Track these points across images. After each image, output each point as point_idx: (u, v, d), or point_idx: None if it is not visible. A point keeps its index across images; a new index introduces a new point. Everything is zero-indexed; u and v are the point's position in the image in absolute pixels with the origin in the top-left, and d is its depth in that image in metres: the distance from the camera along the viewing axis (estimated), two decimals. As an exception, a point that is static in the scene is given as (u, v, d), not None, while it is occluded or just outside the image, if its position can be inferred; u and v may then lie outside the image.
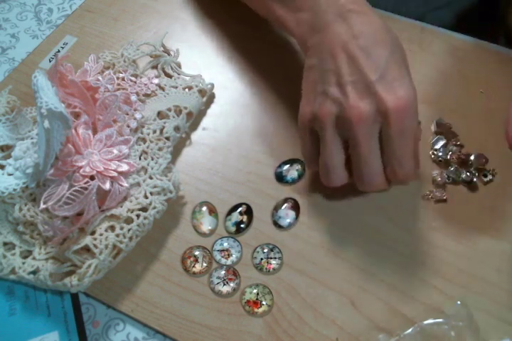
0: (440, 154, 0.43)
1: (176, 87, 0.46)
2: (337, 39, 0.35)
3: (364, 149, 0.34)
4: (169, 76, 0.48)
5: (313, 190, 0.42)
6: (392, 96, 0.33)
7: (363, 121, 0.33)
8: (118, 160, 0.39)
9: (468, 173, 0.41)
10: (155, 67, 0.49)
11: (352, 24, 0.34)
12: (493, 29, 0.66)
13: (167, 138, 0.43)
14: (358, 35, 0.34)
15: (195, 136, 0.46)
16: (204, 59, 0.51)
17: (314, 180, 0.43)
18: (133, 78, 0.46)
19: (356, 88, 0.34)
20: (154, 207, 0.38)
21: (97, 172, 0.37)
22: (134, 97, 0.44)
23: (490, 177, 0.42)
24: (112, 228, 0.37)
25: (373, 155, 0.35)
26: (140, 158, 0.41)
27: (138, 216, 0.38)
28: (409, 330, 0.36)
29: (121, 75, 0.46)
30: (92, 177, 0.37)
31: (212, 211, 0.42)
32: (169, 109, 0.44)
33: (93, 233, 0.37)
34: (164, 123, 0.43)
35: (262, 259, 0.39)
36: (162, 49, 0.49)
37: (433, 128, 0.45)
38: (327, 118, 0.35)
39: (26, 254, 0.39)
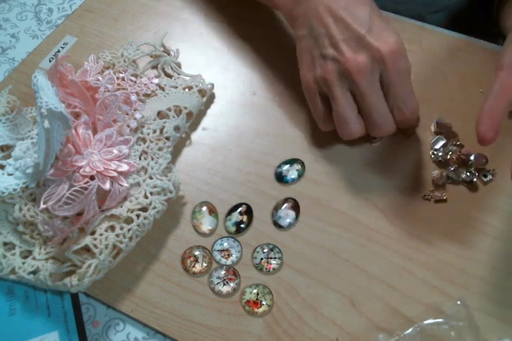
0: (440, 154, 0.43)
1: (176, 87, 0.46)
2: (320, 5, 0.38)
3: (370, 96, 0.37)
4: (169, 76, 0.48)
5: (314, 190, 0.42)
6: (383, 44, 0.36)
7: (362, 71, 0.36)
8: (118, 160, 0.39)
9: (468, 173, 0.41)
10: (155, 67, 0.49)
11: None
12: (492, 30, 0.66)
13: (167, 138, 0.43)
14: None
15: (195, 136, 0.46)
16: (204, 59, 0.51)
17: (314, 179, 0.43)
18: (133, 78, 0.46)
19: (349, 44, 0.37)
20: (154, 207, 0.38)
21: (97, 172, 0.37)
22: (134, 97, 0.44)
23: (490, 177, 0.42)
24: (112, 228, 0.37)
25: (379, 100, 0.38)
26: (140, 158, 0.41)
27: (138, 216, 0.38)
28: (409, 330, 0.36)
29: (121, 75, 0.46)
30: (92, 177, 0.37)
31: (212, 211, 0.42)
32: (169, 109, 0.44)
33: (93, 233, 0.37)
34: (164, 123, 0.43)
35: (262, 259, 0.39)
36: (162, 49, 0.49)
37: (433, 128, 0.45)
38: (331, 76, 0.38)
39: (26, 254, 0.39)
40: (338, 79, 0.38)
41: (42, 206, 0.35)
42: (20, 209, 0.38)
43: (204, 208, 0.42)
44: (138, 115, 0.42)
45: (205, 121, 0.47)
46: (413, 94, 0.38)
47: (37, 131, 0.41)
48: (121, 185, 0.38)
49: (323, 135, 0.45)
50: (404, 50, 0.37)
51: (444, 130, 0.44)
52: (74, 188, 0.36)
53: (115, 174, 0.38)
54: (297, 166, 0.43)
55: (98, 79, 0.43)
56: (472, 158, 0.42)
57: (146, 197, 0.39)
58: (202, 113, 0.47)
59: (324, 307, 0.38)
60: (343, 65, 0.37)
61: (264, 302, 0.38)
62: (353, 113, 0.39)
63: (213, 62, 0.50)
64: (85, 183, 0.36)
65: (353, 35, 0.37)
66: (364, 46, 0.37)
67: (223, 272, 0.39)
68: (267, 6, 0.48)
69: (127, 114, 0.42)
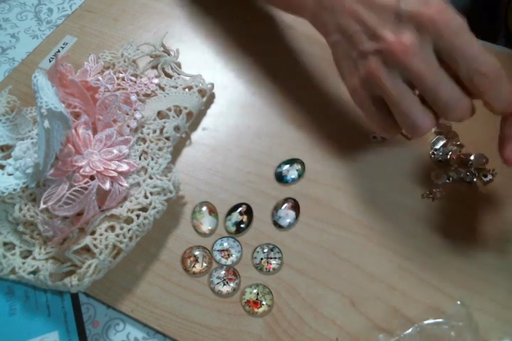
0: (440, 154, 0.43)
1: (176, 87, 0.46)
2: (344, 2, 0.34)
3: (430, 78, 0.31)
4: (169, 76, 0.48)
5: (314, 190, 0.42)
6: (424, 7, 0.31)
7: (411, 51, 0.31)
8: (118, 160, 0.39)
9: (468, 173, 0.41)
10: (155, 67, 0.49)
11: None
12: (493, 29, 0.66)
13: (167, 138, 0.43)
14: None
15: (195, 136, 0.46)
16: (204, 59, 0.51)
17: (314, 179, 0.43)
18: (133, 78, 0.46)
19: (388, 27, 0.32)
20: (154, 207, 0.38)
21: (97, 172, 0.37)
22: (134, 97, 0.43)
23: (490, 177, 0.42)
24: (112, 228, 0.37)
25: (443, 77, 0.31)
26: (140, 158, 0.41)
27: (138, 216, 0.38)
28: (409, 330, 0.35)
29: (121, 75, 0.46)
30: (92, 177, 0.37)
31: (212, 211, 0.42)
32: (169, 109, 0.44)
33: (93, 233, 0.37)
34: (164, 123, 0.43)
35: (262, 259, 0.39)
36: (162, 49, 0.49)
37: (433, 128, 0.45)
38: (378, 71, 0.32)
39: (26, 254, 0.39)
40: (386, 71, 0.32)
41: (42, 206, 0.35)
42: (20, 209, 0.38)
43: (204, 208, 0.42)
44: (138, 115, 0.42)
45: (205, 121, 0.47)
46: (484, 50, 0.31)
47: (37, 131, 0.41)
48: (121, 185, 0.38)
49: (323, 135, 0.45)
50: (449, 7, 0.31)
51: (444, 130, 0.44)
52: (74, 188, 0.36)
53: (115, 174, 0.38)
54: (297, 166, 0.43)
55: (98, 79, 0.43)
56: (472, 158, 0.42)
57: (146, 197, 0.39)
58: (202, 113, 0.47)
59: (324, 307, 0.38)
60: (388, 52, 0.31)
61: (264, 302, 0.38)
62: (415, 104, 0.33)
63: (213, 62, 0.50)
64: (85, 183, 0.36)
65: (388, 14, 0.32)
66: (403, 20, 0.31)
67: (223, 272, 0.39)
68: (289, 13, 0.44)
69: (127, 114, 0.42)
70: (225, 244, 0.40)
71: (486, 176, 0.42)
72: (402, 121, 0.34)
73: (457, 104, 0.32)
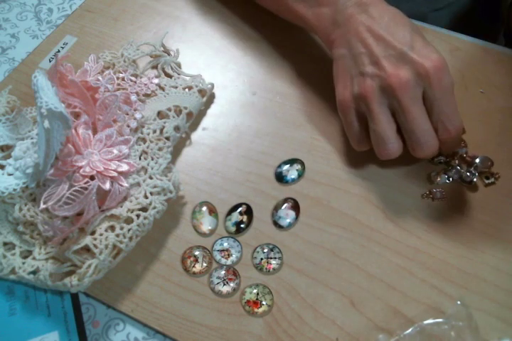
0: (439, 156, 0.43)
1: (176, 87, 0.46)
2: (361, 26, 0.38)
3: (413, 113, 0.36)
4: (169, 76, 0.48)
5: (314, 190, 0.43)
6: (427, 59, 0.35)
7: (404, 86, 0.36)
8: (118, 160, 0.39)
9: (468, 173, 0.41)
10: (155, 67, 0.49)
11: (371, 12, 0.38)
12: (493, 29, 0.66)
13: (167, 138, 0.43)
14: (379, 19, 0.38)
15: (195, 136, 0.46)
16: (204, 59, 0.51)
17: (314, 179, 0.43)
18: (133, 78, 0.46)
19: (391, 61, 0.36)
20: (154, 207, 0.38)
21: (97, 172, 0.37)
22: (134, 97, 0.44)
23: (492, 179, 0.42)
24: (112, 228, 0.37)
25: (423, 117, 0.37)
26: (140, 158, 0.41)
27: (138, 216, 0.38)
28: (409, 330, 0.36)
29: (121, 75, 0.46)
30: (92, 177, 0.37)
31: (212, 211, 0.42)
32: (169, 109, 0.44)
33: (93, 233, 0.37)
34: (164, 123, 0.43)
35: (262, 259, 0.39)
36: (162, 49, 0.49)
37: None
38: (370, 93, 0.37)
39: (26, 254, 0.39)
40: (378, 96, 0.37)
41: (42, 206, 0.35)
42: (20, 209, 0.38)
43: (204, 208, 0.42)
44: (138, 115, 0.42)
45: (205, 121, 0.47)
46: (457, 111, 0.37)
47: (37, 131, 0.41)
48: (121, 185, 0.38)
49: (323, 135, 0.45)
50: (447, 66, 0.36)
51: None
52: (74, 188, 0.36)
53: (115, 174, 0.38)
54: (297, 166, 0.43)
55: (98, 79, 0.43)
56: (477, 160, 0.42)
57: (146, 197, 0.39)
58: (202, 113, 0.47)
59: (324, 307, 0.38)
60: (384, 80, 0.36)
61: (264, 302, 0.38)
62: (392, 132, 0.38)
63: (213, 62, 0.50)
64: (85, 183, 0.36)
65: (395, 52, 0.36)
66: (407, 62, 0.36)
67: (223, 272, 0.39)
68: (298, 25, 0.47)
69: (127, 114, 0.42)
70: (225, 244, 0.40)
71: (488, 178, 0.42)
72: (375, 140, 0.39)
73: (426, 143, 0.37)
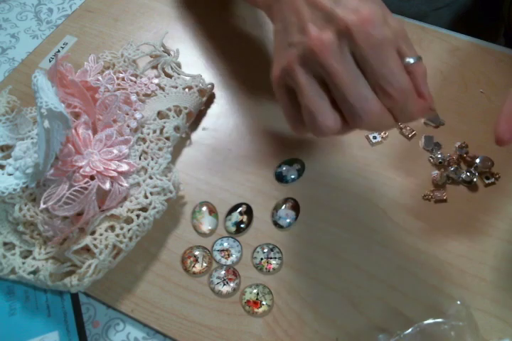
0: (439, 156, 0.43)
1: (176, 87, 0.46)
2: None
3: (339, 77, 0.30)
4: (169, 76, 0.48)
5: (314, 190, 0.42)
6: (351, 13, 0.30)
7: (326, 48, 0.30)
8: (118, 160, 0.39)
9: (468, 173, 0.41)
10: (155, 67, 0.49)
11: None
12: (493, 29, 0.66)
13: (167, 138, 0.42)
14: None
15: (195, 136, 0.46)
16: (204, 59, 0.51)
17: (314, 179, 0.43)
18: (133, 78, 0.46)
19: (316, 23, 0.31)
20: (154, 207, 0.38)
21: (97, 172, 0.37)
22: (134, 97, 0.43)
23: (492, 180, 0.42)
24: (112, 228, 0.37)
25: (354, 81, 0.30)
26: (140, 158, 0.41)
27: (138, 216, 0.38)
28: (409, 330, 0.35)
29: (121, 75, 0.46)
30: (92, 177, 0.37)
31: (212, 211, 0.42)
32: (169, 109, 0.44)
33: (93, 233, 0.37)
34: (164, 123, 0.43)
35: (262, 259, 0.39)
36: (162, 49, 0.49)
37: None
38: (293, 63, 0.32)
39: (26, 254, 0.39)
40: (300, 64, 0.32)
41: (42, 206, 0.35)
42: (20, 209, 0.38)
43: (204, 208, 0.42)
44: (138, 115, 0.42)
45: (205, 121, 0.47)
46: (399, 69, 0.30)
47: (37, 131, 0.41)
48: (121, 185, 0.38)
49: (323, 135, 0.45)
50: (379, 18, 0.30)
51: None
52: (74, 188, 0.36)
53: (115, 174, 0.38)
54: (297, 166, 0.43)
55: (98, 79, 0.43)
56: (478, 160, 0.42)
57: (146, 197, 0.39)
58: (202, 113, 0.47)
59: (324, 307, 0.38)
60: (306, 46, 0.31)
61: (264, 302, 0.38)
62: (322, 103, 0.32)
63: (213, 62, 0.50)
64: (85, 183, 0.36)
65: (321, 12, 0.31)
66: (331, 21, 0.31)
67: (223, 272, 0.39)
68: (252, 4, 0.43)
69: (127, 114, 0.42)
70: (225, 244, 0.40)
71: (488, 178, 0.42)
72: (306, 116, 0.32)
73: (363, 109, 0.30)
